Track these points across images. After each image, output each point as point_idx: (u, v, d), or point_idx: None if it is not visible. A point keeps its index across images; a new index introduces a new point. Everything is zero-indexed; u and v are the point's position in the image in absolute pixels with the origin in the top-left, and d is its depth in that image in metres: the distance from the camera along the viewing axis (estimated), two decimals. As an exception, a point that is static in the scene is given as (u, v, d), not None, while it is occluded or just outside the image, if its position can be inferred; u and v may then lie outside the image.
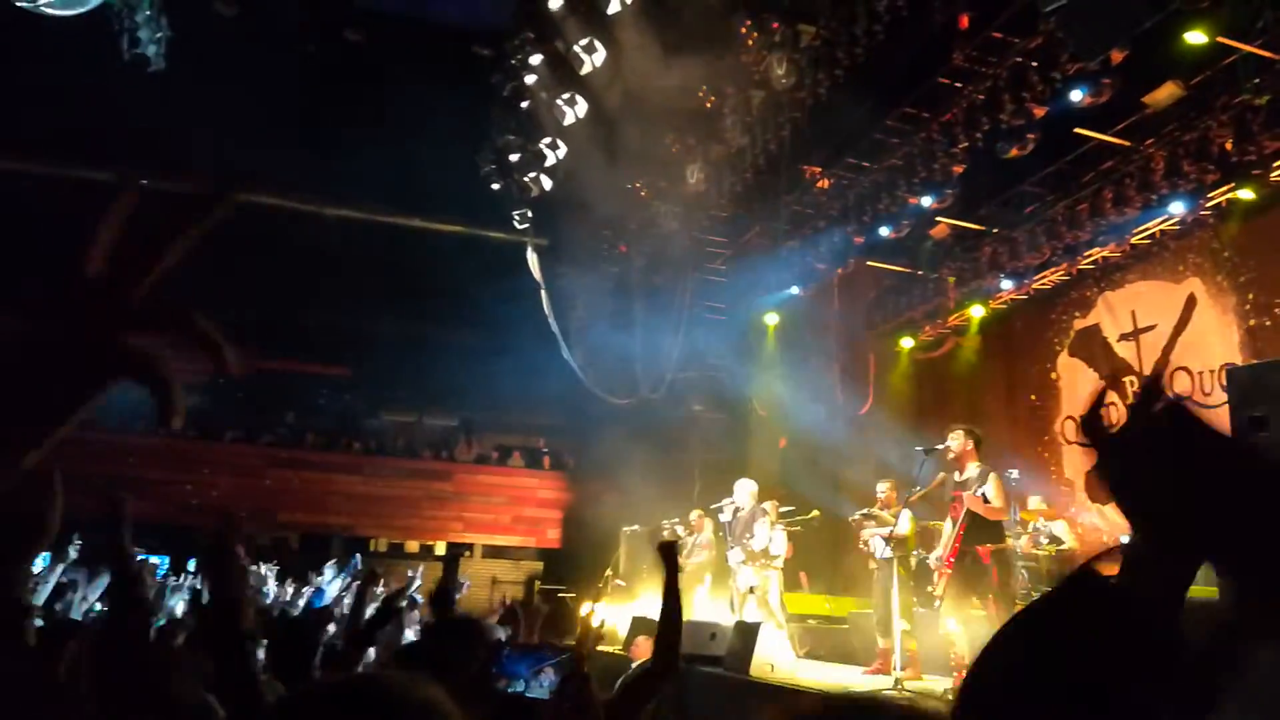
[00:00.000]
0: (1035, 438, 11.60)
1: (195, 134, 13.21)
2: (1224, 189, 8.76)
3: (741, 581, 9.00)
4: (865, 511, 8.48)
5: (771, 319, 14.12)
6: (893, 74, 9.68)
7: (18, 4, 8.55)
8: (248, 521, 13.98)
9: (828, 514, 10.19)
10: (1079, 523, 10.35)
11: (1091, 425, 0.94)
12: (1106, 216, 9.72)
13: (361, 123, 13.67)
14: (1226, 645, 0.85)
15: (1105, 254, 10.48)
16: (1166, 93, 8.77)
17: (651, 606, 7.59)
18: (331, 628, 5.05)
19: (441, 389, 16.86)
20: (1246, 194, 8.59)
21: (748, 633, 7.69)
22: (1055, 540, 9.09)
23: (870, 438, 12.30)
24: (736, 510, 9.27)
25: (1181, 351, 9.89)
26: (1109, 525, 10.35)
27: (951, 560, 6.72)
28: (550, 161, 12.19)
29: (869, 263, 12.93)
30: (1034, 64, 8.62)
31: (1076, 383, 11.28)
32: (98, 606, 5.35)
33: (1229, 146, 8.42)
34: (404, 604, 6.59)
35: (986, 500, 6.64)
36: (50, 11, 9.10)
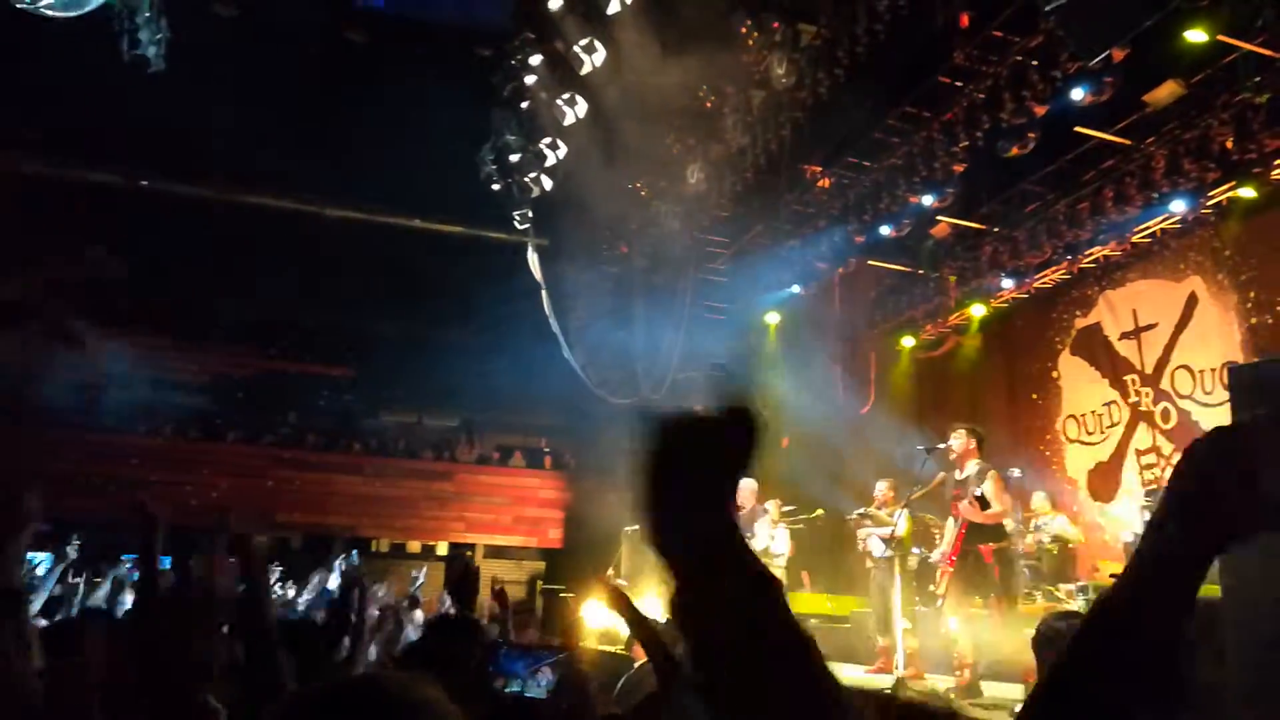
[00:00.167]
0: (1037, 436, 11.60)
1: (195, 135, 13.23)
2: (1225, 187, 8.76)
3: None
4: (861, 511, 8.48)
5: (773, 318, 14.12)
6: (893, 73, 9.69)
7: (17, 5, 8.54)
8: (250, 522, 13.99)
9: (830, 513, 10.20)
10: (1081, 520, 10.35)
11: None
12: (1107, 215, 9.72)
13: (361, 123, 13.68)
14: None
15: (1106, 252, 10.48)
16: (1167, 91, 8.77)
17: (654, 607, 7.58)
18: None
19: (443, 389, 16.86)
20: (1247, 192, 8.59)
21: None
22: (1057, 539, 9.09)
23: (872, 437, 12.30)
24: (737, 510, 9.27)
25: (1183, 350, 9.89)
26: (1110, 523, 10.36)
27: (954, 559, 6.72)
28: (550, 162, 12.19)
29: (870, 262, 12.93)
30: (1034, 63, 8.61)
31: (1078, 381, 11.29)
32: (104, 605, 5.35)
33: (1230, 145, 8.43)
34: (405, 604, 6.59)
35: (984, 503, 6.63)
36: (50, 13, 9.09)
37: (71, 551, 6.47)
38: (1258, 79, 8.08)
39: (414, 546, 17.85)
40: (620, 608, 3.12)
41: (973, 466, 6.87)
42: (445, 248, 15.62)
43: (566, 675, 2.26)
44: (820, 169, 11.96)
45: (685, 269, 13.84)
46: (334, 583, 7.71)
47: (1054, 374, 11.62)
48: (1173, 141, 9.01)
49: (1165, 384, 10.03)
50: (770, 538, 9.12)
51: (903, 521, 7.65)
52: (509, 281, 14.45)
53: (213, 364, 17.78)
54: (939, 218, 11.41)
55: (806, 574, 11.26)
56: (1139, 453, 10.28)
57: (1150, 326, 10.32)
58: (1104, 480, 10.67)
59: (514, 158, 12.66)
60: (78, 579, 6.50)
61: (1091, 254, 10.53)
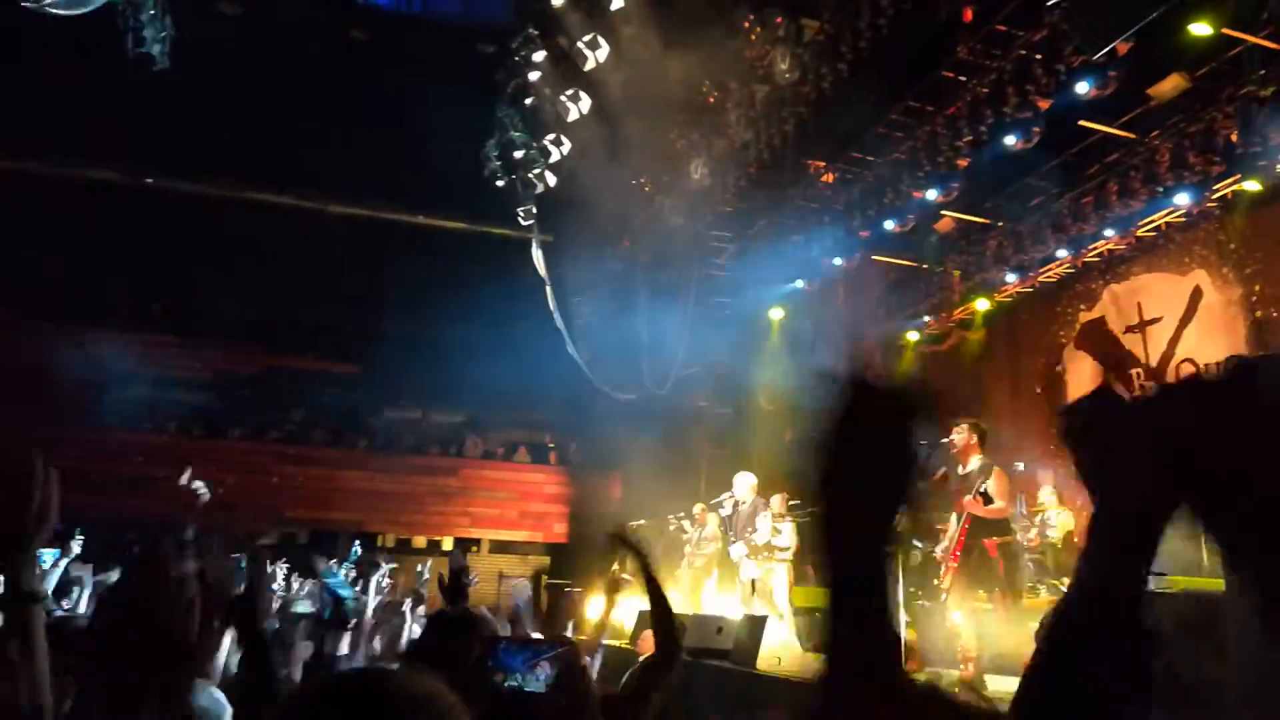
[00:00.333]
0: (1041, 430, 11.58)
1: (199, 133, 13.27)
2: (1229, 181, 8.74)
3: (745, 575, 9.02)
4: None
5: (776, 313, 14.12)
6: (896, 67, 9.66)
7: (22, 4, 8.57)
8: (256, 519, 14.04)
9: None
10: (1085, 515, 10.33)
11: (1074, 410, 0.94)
12: (1112, 209, 9.71)
13: (365, 120, 13.70)
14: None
15: (1110, 246, 10.46)
16: (1171, 84, 8.75)
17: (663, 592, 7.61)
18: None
19: (447, 385, 16.88)
20: (1252, 186, 8.57)
21: (755, 626, 7.71)
22: (1062, 532, 9.09)
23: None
24: (737, 504, 9.28)
25: (1187, 343, 9.87)
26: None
27: (958, 554, 6.73)
28: (554, 158, 12.21)
29: (874, 257, 12.91)
30: (1038, 56, 8.60)
31: (1082, 375, 11.27)
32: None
33: (1234, 138, 8.41)
34: (410, 599, 6.62)
35: (988, 499, 6.63)
36: (55, 11, 9.12)
37: (75, 548, 6.51)
38: (1263, 72, 8.06)
39: (420, 541, 17.89)
40: (644, 575, 3.15)
41: (975, 462, 6.87)
42: (449, 244, 15.65)
43: (565, 669, 2.27)
44: (824, 164, 11.95)
45: (689, 264, 13.85)
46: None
47: (1059, 368, 11.60)
48: (1177, 135, 8.99)
49: (1170, 378, 10.02)
50: (776, 531, 9.14)
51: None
52: (513, 277, 14.47)
53: (217, 361, 17.81)
54: (943, 212, 11.39)
55: (811, 568, 11.27)
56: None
57: (1155, 320, 10.30)
58: (1108, 474, 10.64)
59: (518, 154, 12.68)
60: (80, 574, 6.53)
61: (1096, 248, 10.51)
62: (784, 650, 8.15)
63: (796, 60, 9.17)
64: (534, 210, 13.36)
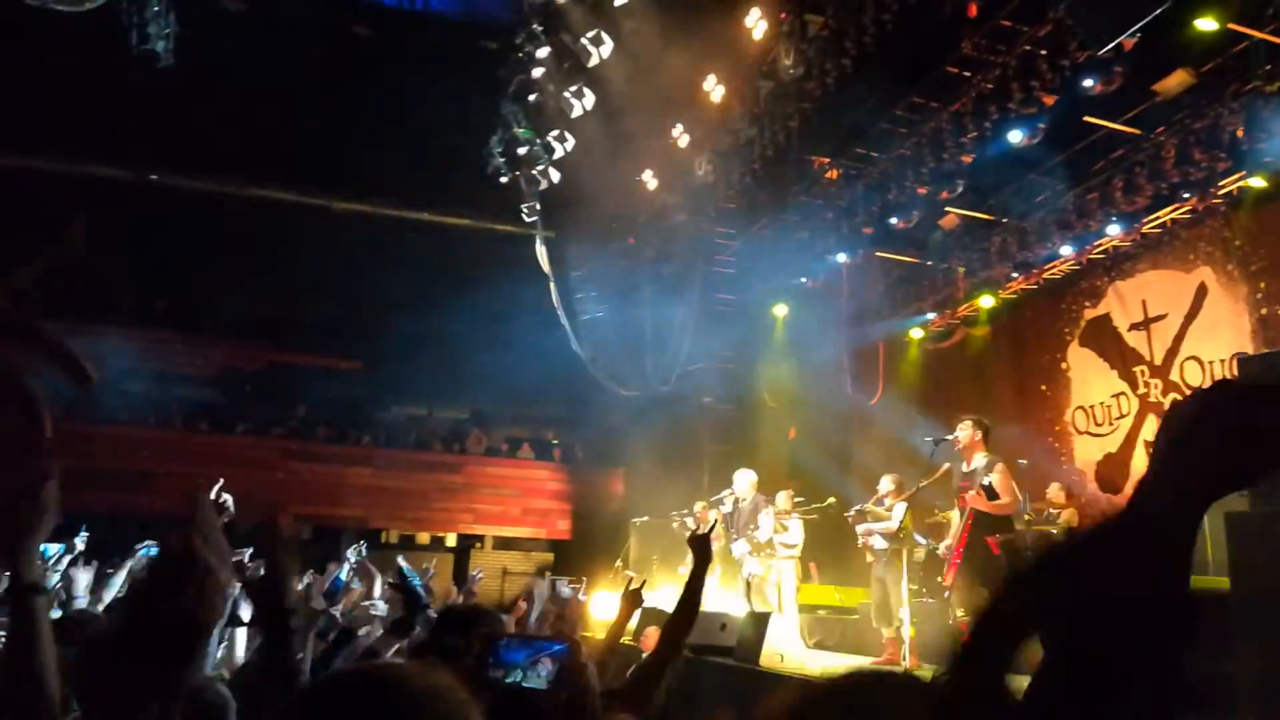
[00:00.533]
0: (1046, 428, 11.57)
1: (203, 130, 13.28)
2: (1235, 177, 8.70)
3: (747, 571, 9.02)
4: (859, 508, 8.50)
5: (781, 310, 14.11)
6: (901, 63, 9.64)
7: (28, 1, 8.57)
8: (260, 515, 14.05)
9: (839, 504, 10.21)
10: (1088, 512, 10.34)
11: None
12: (1117, 205, 9.67)
13: (369, 117, 13.71)
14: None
15: (1115, 243, 10.43)
16: (1177, 80, 8.71)
17: (662, 598, 7.62)
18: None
19: (452, 382, 16.92)
20: (1258, 182, 8.53)
21: (758, 623, 7.71)
22: (1064, 529, 9.08)
23: (880, 428, 12.30)
24: (737, 501, 9.27)
25: (1192, 340, 9.85)
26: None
27: (961, 550, 6.72)
28: (558, 154, 12.20)
29: (878, 253, 12.90)
30: (1043, 52, 8.56)
31: (1087, 373, 11.25)
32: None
33: (1240, 134, 8.37)
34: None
35: (993, 493, 6.63)
36: (59, 8, 9.13)
37: (79, 544, 6.50)
38: (1269, 67, 8.03)
39: (423, 538, 17.93)
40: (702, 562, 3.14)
41: (980, 459, 6.87)
42: (454, 240, 15.66)
43: (566, 666, 2.27)
44: (828, 160, 11.92)
45: (693, 261, 13.85)
46: (345, 574, 7.74)
47: (1063, 365, 11.58)
48: (1183, 131, 8.95)
49: (1175, 375, 10.00)
50: (783, 528, 9.13)
51: (899, 514, 7.67)
52: (518, 274, 14.48)
53: (222, 357, 17.85)
54: (947, 209, 11.38)
55: (814, 565, 11.29)
56: (1148, 444, 10.19)
57: (1160, 317, 10.27)
58: (1113, 472, 10.64)
59: (521, 150, 12.68)
60: (86, 569, 6.53)
61: (1101, 244, 10.48)
62: (786, 647, 8.15)
63: (801, 56, 9.15)
64: (538, 206, 13.36)
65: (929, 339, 13.21)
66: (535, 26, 11.40)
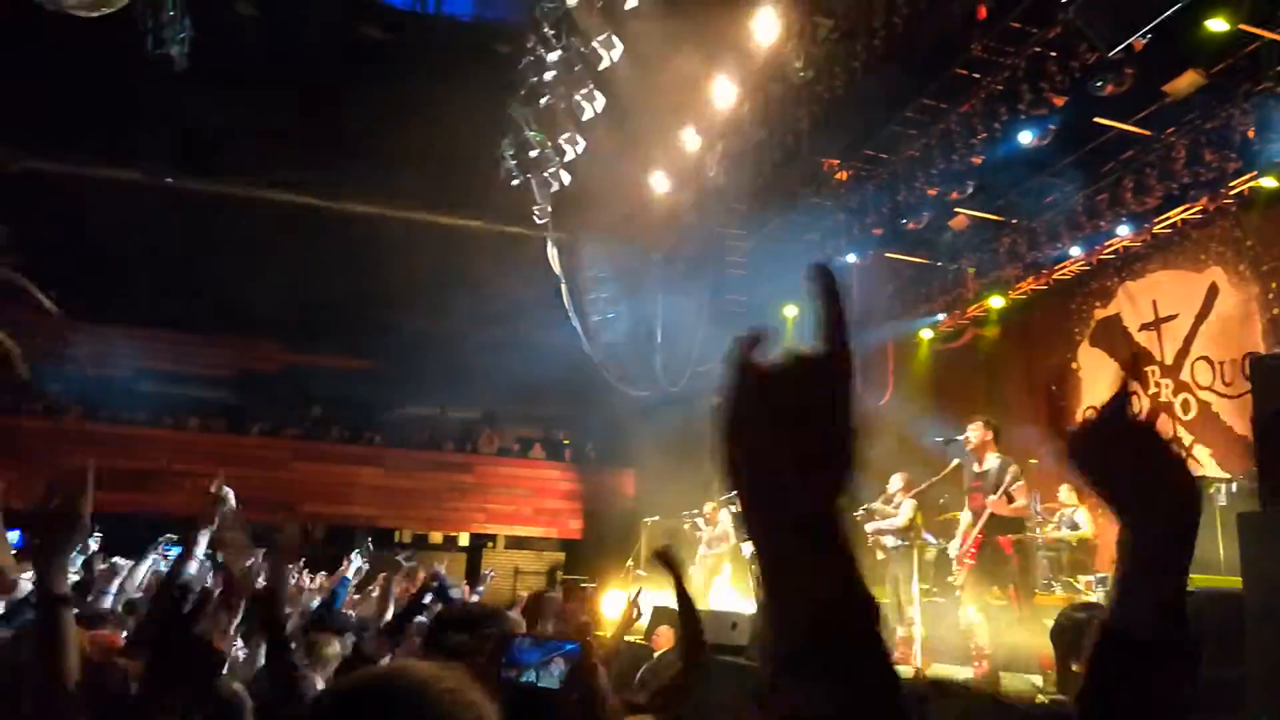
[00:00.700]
0: (1056, 428, 11.56)
1: (216, 132, 13.38)
2: (1246, 177, 8.70)
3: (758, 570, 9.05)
4: (866, 507, 8.53)
5: (791, 311, 14.13)
6: (911, 65, 9.65)
7: (47, 6, 8.67)
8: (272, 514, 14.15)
9: (847, 503, 10.22)
10: (1100, 511, 10.33)
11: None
12: (1127, 206, 9.67)
13: (382, 120, 13.78)
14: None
15: (1126, 243, 10.43)
16: (1188, 81, 8.71)
17: (672, 598, 7.66)
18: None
19: (463, 382, 16.99)
20: (1269, 182, 8.53)
21: (768, 623, 7.74)
22: (1075, 528, 9.09)
23: (889, 428, 12.30)
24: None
25: (1203, 341, 9.84)
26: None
27: (974, 551, 6.75)
28: (569, 156, 12.25)
29: (888, 254, 12.92)
30: (1053, 53, 8.57)
31: (1097, 373, 11.24)
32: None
33: (1251, 134, 8.37)
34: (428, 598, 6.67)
35: (1011, 499, 6.66)
36: (78, 13, 9.22)
37: (93, 544, 6.55)
38: (1279, 68, 8.02)
39: (436, 537, 18.02)
40: (674, 575, 3.23)
41: (993, 460, 6.88)
42: (466, 242, 15.73)
43: (577, 666, 2.32)
44: (838, 162, 11.95)
45: (704, 262, 13.88)
46: (352, 573, 7.79)
47: (1073, 365, 11.58)
48: (1193, 131, 8.95)
49: (1185, 375, 9.99)
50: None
51: (907, 510, 7.69)
52: (529, 275, 14.54)
53: (236, 358, 17.99)
54: (957, 210, 11.38)
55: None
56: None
57: (1170, 317, 10.27)
58: (1124, 472, 10.62)
59: (533, 152, 12.73)
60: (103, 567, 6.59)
61: (1111, 245, 10.48)
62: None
63: (811, 58, 9.19)
64: (549, 208, 13.42)
65: (939, 339, 13.22)
66: (546, 30, 11.46)
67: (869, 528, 8.39)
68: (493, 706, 1.12)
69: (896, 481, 8.29)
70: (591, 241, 14.43)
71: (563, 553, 18.27)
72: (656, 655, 7.16)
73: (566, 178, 12.61)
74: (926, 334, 13.18)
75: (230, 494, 2.87)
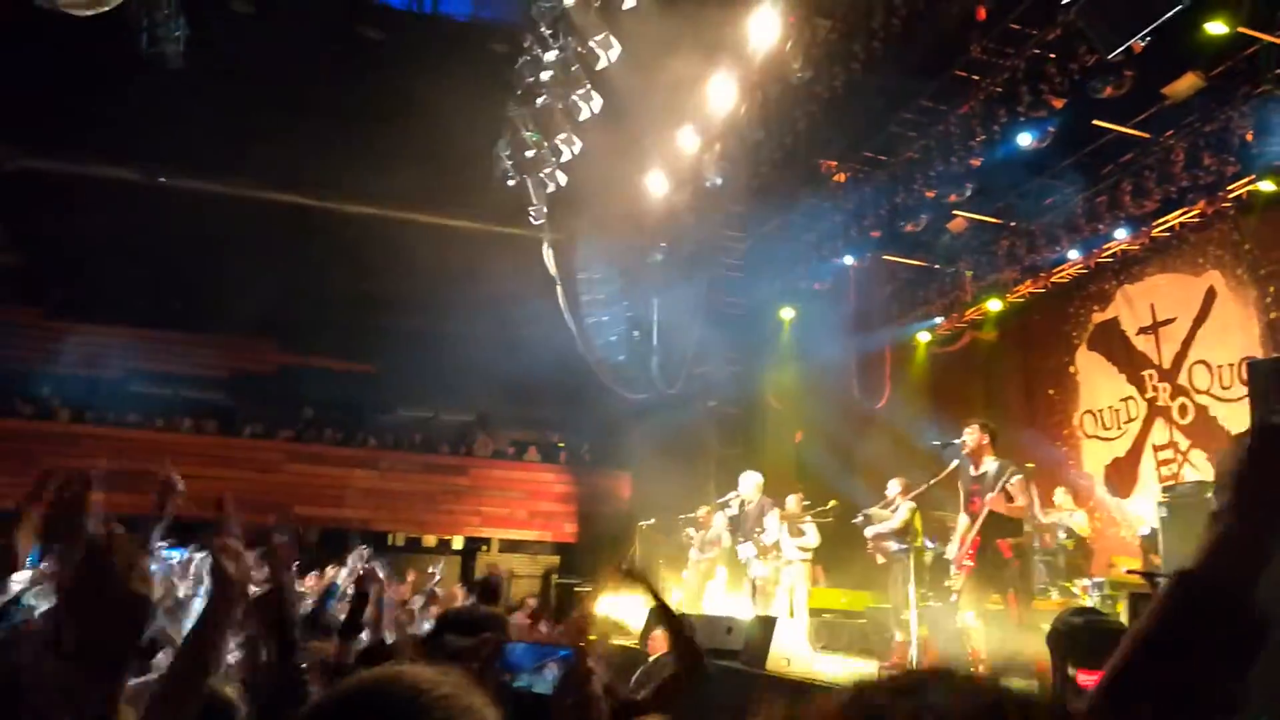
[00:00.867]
0: (1054, 431, 11.55)
1: (211, 131, 13.31)
2: (1245, 181, 8.69)
3: (753, 574, 9.00)
4: (864, 513, 8.49)
5: (788, 313, 14.10)
6: (909, 66, 9.63)
7: (42, 5, 8.60)
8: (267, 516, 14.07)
9: (844, 507, 10.19)
10: (1097, 515, 10.32)
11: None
12: (1125, 209, 9.65)
13: (377, 119, 13.72)
14: None
15: (1124, 247, 10.41)
16: (1187, 84, 8.69)
17: (667, 601, 7.60)
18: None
19: (458, 384, 16.91)
20: (1268, 186, 8.52)
21: (765, 627, 7.69)
22: (1072, 533, 9.06)
23: (887, 431, 12.28)
24: (743, 504, 9.24)
25: (1201, 345, 9.82)
26: (1125, 518, 10.32)
27: (973, 555, 6.70)
28: (566, 157, 12.19)
29: (885, 256, 12.89)
30: (1052, 55, 8.54)
31: (1095, 376, 11.23)
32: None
33: (1250, 138, 8.35)
34: (421, 598, 6.61)
35: (1010, 497, 6.61)
36: (72, 11, 9.15)
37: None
38: (1278, 71, 8.01)
39: (430, 541, 17.93)
40: (648, 589, 3.22)
41: (990, 464, 6.83)
42: (460, 243, 15.66)
43: (571, 671, 2.27)
44: (836, 163, 11.92)
45: (701, 264, 13.84)
46: (344, 577, 7.72)
47: (1071, 369, 11.56)
48: (1192, 134, 8.93)
49: (1183, 379, 9.97)
50: (800, 532, 9.12)
51: (904, 512, 7.65)
52: (525, 277, 14.48)
53: (229, 359, 17.91)
54: (955, 212, 11.36)
55: (821, 569, 11.27)
56: (1156, 448, 10.22)
57: (1168, 321, 10.25)
58: (1121, 476, 10.62)
59: (529, 153, 12.68)
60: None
61: (1109, 248, 10.47)
62: (794, 651, 8.11)
63: (810, 59, 9.15)
64: (545, 209, 13.36)
65: (936, 342, 13.20)
66: (543, 29, 11.41)
67: (868, 532, 8.35)
68: (495, 711, 1.12)
69: (894, 486, 8.25)
70: (588, 243, 14.38)
71: (557, 556, 18.20)
72: (652, 659, 7.09)
73: (563, 178, 12.56)
74: (924, 337, 13.15)
75: (180, 482, 2.80)
